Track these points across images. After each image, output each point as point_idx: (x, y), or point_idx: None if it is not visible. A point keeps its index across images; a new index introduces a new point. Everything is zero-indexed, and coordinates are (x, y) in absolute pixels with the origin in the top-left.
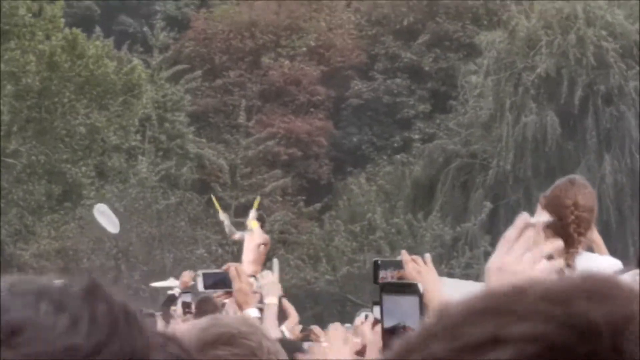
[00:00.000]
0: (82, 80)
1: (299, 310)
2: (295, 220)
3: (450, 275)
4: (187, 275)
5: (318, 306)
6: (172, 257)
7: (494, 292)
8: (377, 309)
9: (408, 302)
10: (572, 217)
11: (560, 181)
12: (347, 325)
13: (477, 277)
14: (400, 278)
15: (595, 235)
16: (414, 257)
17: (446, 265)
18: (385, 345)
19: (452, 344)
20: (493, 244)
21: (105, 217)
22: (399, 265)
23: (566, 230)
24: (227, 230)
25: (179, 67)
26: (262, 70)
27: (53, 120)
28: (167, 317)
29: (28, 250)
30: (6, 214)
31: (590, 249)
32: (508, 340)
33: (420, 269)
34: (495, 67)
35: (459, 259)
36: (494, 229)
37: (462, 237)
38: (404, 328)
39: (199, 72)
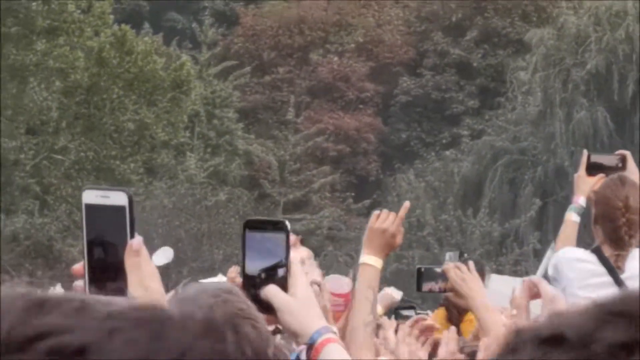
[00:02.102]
0: (131, 77)
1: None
2: (344, 216)
3: (499, 272)
4: (233, 272)
5: None
6: (221, 253)
7: (631, 296)
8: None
9: (274, 240)
10: (623, 219)
11: (610, 179)
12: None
13: (526, 274)
14: (446, 289)
15: None
16: (458, 264)
17: (495, 262)
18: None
19: (586, 351)
20: (542, 240)
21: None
22: (442, 275)
23: (617, 232)
24: None
25: (228, 63)
26: (311, 66)
27: (102, 116)
28: None
29: (76, 247)
30: (55, 210)
31: None
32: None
33: (464, 276)
34: (544, 64)
35: (507, 256)
36: (543, 225)
37: (511, 234)
38: (272, 268)
39: (247, 69)
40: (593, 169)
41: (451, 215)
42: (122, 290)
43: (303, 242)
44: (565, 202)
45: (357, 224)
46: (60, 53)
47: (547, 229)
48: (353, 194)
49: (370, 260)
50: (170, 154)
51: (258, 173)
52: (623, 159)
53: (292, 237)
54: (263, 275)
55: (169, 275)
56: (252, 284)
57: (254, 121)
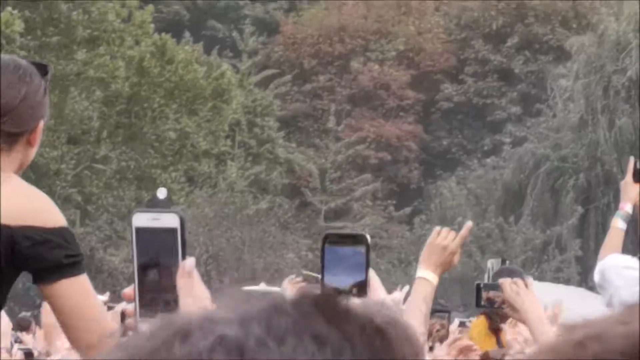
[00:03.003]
0: (172, 86)
1: None
2: (385, 224)
3: (541, 279)
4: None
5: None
6: (262, 262)
7: None
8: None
9: (354, 254)
10: None
11: None
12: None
13: (568, 281)
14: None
15: None
16: (515, 279)
17: (537, 269)
18: None
19: None
20: (584, 247)
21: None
22: (499, 287)
23: None
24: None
25: (268, 71)
26: (352, 74)
27: (142, 125)
28: None
29: (118, 256)
30: (96, 220)
31: None
32: None
33: (519, 290)
34: (585, 71)
35: (549, 262)
36: (585, 232)
37: (553, 241)
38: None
39: (288, 77)
40: None
41: (493, 223)
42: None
43: None
44: (607, 210)
45: (399, 232)
46: (100, 62)
47: (588, 236)
48: (394, 201)
49: (428, 275)
50: (211, 162)
51: (299, 181)
52: None
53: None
54: (347, 288)
55: (210, 284)
56: None
57: (294, 129)
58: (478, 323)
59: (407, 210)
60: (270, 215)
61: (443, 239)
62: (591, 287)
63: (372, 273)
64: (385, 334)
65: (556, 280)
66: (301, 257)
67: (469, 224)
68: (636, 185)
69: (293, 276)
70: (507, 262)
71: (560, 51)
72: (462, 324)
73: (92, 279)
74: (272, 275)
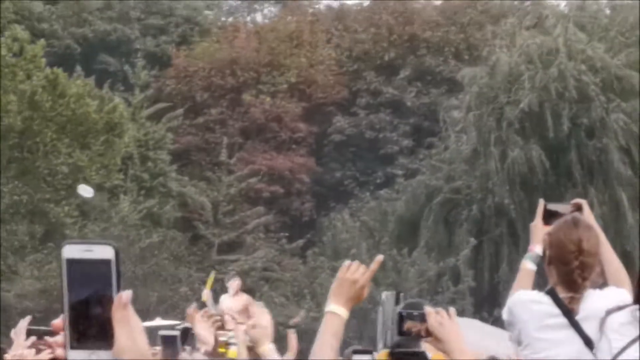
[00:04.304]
0: (64, 120)
1: (284, 348)
2: (278, 257)
3: None
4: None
5: (303, 343)
6: (155, 295)
7: None
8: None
9: None
10: (576, 262)
11: (564, 221)
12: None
13: (462, 312)
14: (425, 331)
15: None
16: (438, 309)
17: (431, 300)
18: None
19: None
20: (477, 278)
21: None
22: (422, 317)
23: (570, 275)
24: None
25: (160, 105)
26: (244, 107)
27: (35, 159)
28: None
29: (11, 291)
30: None
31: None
32: None
33: (443, 321)
34: (478, 102)
35: (443, 294)
36: (479, 263)
37: (447, 272)
38: None
39: (180, 110)
40: (549, 217)
41: (387, 255)
42: (106, 345)
43: (243, 286)
44: (500, 241)
45: (292, 265)
46: None
47: (482, 267)
48: (287, 234)
49: (337, 310)
50: (104, 196)
51: (192, 214)
52: (579, 208)
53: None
54: None
55: None
56: None
57: (187, 163)
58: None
59: (300, 242)
60: (163, 248)
61: (352, 273)
62: (485, 319)
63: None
64: None
65: None
66: (195, 290)
67: (379, 257)
68: (545, 228)
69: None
70: (402, 294)
71: (452, 83)
72: None
73: None
74: (166, 309)
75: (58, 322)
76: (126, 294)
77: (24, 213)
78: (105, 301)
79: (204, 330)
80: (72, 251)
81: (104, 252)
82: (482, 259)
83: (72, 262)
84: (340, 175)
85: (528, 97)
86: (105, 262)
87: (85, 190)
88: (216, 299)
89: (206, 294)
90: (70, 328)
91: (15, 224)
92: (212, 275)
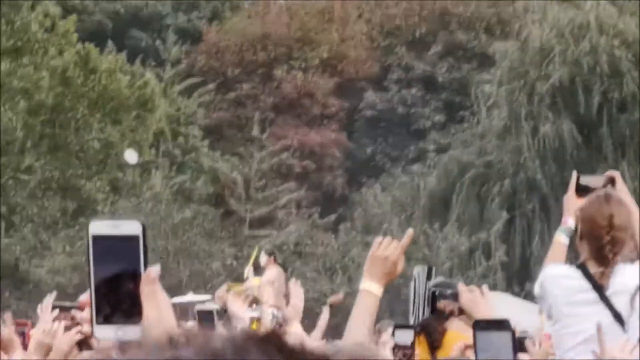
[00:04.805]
0: (96, 95)
1: (316, 321)
2: (310, 232)
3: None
4: (223, 290)
5: (335, 318)
6: (187, 271)
7: None
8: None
9: (500, 338)
10: (607, 237)
11: (596, 196)
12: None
13: (494, 287)
14: (458, 309)
15: None
16: (471, 287)
17: (463, 276)
18: None
19: None
20: (509, 253)
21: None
22: (455, 296)
23: (601, 250)
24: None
25: (192, 80)
26: (275, 82)
27: (67, 135)
28: None
29: (44, 267)
30: (21, 230)
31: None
32: None
33: (475, 298)
34: (509, 77)
35: (475, 269)
36: (510, 238)
37: (478, 248)
38: None
39: (211, 86)
40: (582, 190)
41: (418, 230)
42: (133, 320)
43: (275, 261)
44: (532, 216)
45: (324, 240)
46: (24, 73)
47: (514, 242)
48: (319, 209)
49: (371, 287)
50: (135, 172)
51: (224, 190)
52: (612, 180)
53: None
54: None
55: None
56: None
57: (219, 138)
58: (417, 342)
59: (332, 217)
60: (195, 224)
61: (384, 249)
62: (516, 293)
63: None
64: None
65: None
66: (226, 266)
67: (410, 231)
68: (578, 200)
69: (224, 286)
70: (433, 269)
71: (484, 58)
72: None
73: (17, 289)
74: (198, 284)
75: (84, 298)
76: (155, 269)
77: (55, 189)
78: (132, 277)
79: (238, 308)
80: (98, 227)
81: (132, 228)
82: (513, 233)
83: (98, 239)
84: (372, 151)
85: (559, 71)
86: (133, 238)
87: (131, 156)
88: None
89: (248, 270)
90: (96, 304)
91: (47, 200)
92: (256, 250)
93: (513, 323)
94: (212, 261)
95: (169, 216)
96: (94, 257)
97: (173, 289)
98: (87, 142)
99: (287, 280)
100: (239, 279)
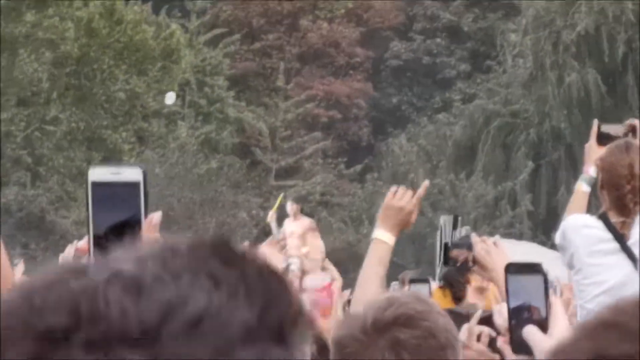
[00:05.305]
0: (121, 46)
1: (342, 272)
2: (336, 182)
3: (493, 235)
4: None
5: (360, 269)
6: (213, 221)
7: (607, 310)
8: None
9: (532, 282)
10: (628, 187)
11: (616, 145)
12: (393, 283)
13: (520, 237)
14: (472, 260)
15: None
16: (484, 237)
17: (489, 225)
18: (512, 325)
19: None
20: (535, 202)
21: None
22: (469, 246)
23: (622, 200)
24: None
25: (217, 31)
26: (301, 32)
27: (92, 86)
28: None
29: (70, 218)
30: (47, 181)
31: None
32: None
33: (489, 249)
34: (534, 26)
35: (501, 218)
36: (536, 187)
37: (504, 197)
38: (530, 308)
39: (237, 36)
40: (603, 138)
41: (444, 179)
42: None
43: (302, 211)
44: (557, 164)
45: (350, 190)
46: (49, 24)
47: (539, 191)
48: (345, 159)
49: (384, 236)
50: (161, 123)
51: (249, 140)
52: (633, 128)
53: (293, 207)
54: (526, 315)
55: None
56: (513, 323)
57: (244, 88)
58: (441, 295)
59: (358, 167)
60: (221, 174)
61: (399, 200)
62: (542, 242)
63: (557, 302)
64: (282, 279)
65: (508, 235)
66: (253, 216)
67: (426, 182)
68: (599, 149)
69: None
70: (460, 218)
71: (509, 7)
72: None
73: (43, 240)
74: (225, 234)
75: (83, 245)
76: (157, 216)
77: (81, 140)
78: (133, 224)
79: (271, 256)
80: (98, 174)
81: (132, 174)
82: (539, 182)
83: (98, 185)
84: (397, 101)
85: (585, 20)
86: (134, 185)
87: (170, 98)
88: (280, 224)
89: (271, 215)
90: (95, 251)
91: (73, 151)
92: (280, 197)
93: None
94: (238, 211)
95: (194, 167)
96: (93, 204)
97: None
98: (112, 93)
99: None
100: (265, 229)
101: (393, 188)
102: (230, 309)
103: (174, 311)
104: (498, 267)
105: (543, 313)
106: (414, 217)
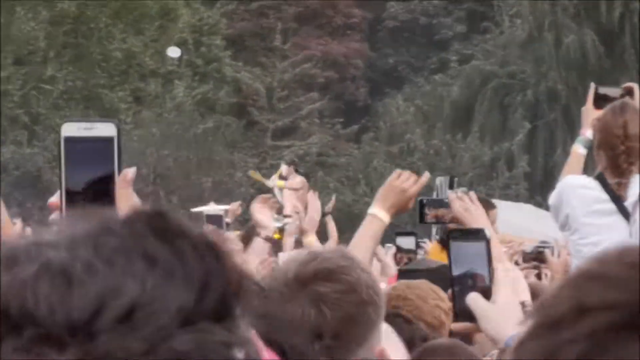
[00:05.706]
0: (118, 5)
1: (338, 232)
2: (332, 142)
3: (490, 196)
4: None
5: (357, 228)
6: (210, 181)
7: (590, 261)
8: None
9: (475, 249)
10: (622, 147)
11: (612, 106)
12: (388, 245)
13: (517, 198)
14: (450, 219)
15: None
16: (460, 194)
17: (485, 186)
18: (455, 292)
19: (543, 320)
20: (532, 164)
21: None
22: (444, 203)
23: (616, 160)
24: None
25: None
26: None
27: (89, 45)
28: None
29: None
30: (44, 140)
31: None
32: (591, 308)
33: (467, 206)
34: None
35: (498, 179)
36: (533, 148)
37: (501, 158)
38: (473, 275)
39: None
40: (600, 101)
41: (441, 140)
42: None
43: (297, 171)
44: (554, 126)
45: (347, 150)
46: None
47: (536, 152)
48: (342, 119)
49: (380, 214)
50: (158, 82)
51: (246, 100)
52: (630, 91)
53: (286, 168)
54: (470, 282)
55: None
56: (456, 290)
57: (241, 48)
58: (438, 249)
59: (355, 128)
60: (217, 134)
61: (403, 182)
62: (539, 203)
63: (500, 267)
64: (219, 251)
65: (505, 196)
66: (248, 176)
67: (426, 174)
68: (596, 111)
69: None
70: (456, 178)
71: None
72: (417, 245)
73: (40, 199)
74: (221, 195)
75: (54, 200)
76: (133, 171)
77: (78, 99)
78: (107, 180)
79: (263, 215)
80: (71, 129)
81: (106, 129)
82: (536, 143)
83: (71, 140)
84: (394, 61)
85: None
86: (108, 140)
87: (174, 51)
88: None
89: (273, 180)
90: (67, 207)
91: (69, 110)
92: (255, 174)
93: (488, 233)
94: (234, 171)
95: (191, 126)
96: (65, 159)
97: (195, 199)
98: (109, 52)
99: (309, 189)
100: (261, 189)
101: (398, 170)
102: (165, 292)
103: (105, 305)
104: (479, 223)
105: (487, 280)
106: (412, 203)
